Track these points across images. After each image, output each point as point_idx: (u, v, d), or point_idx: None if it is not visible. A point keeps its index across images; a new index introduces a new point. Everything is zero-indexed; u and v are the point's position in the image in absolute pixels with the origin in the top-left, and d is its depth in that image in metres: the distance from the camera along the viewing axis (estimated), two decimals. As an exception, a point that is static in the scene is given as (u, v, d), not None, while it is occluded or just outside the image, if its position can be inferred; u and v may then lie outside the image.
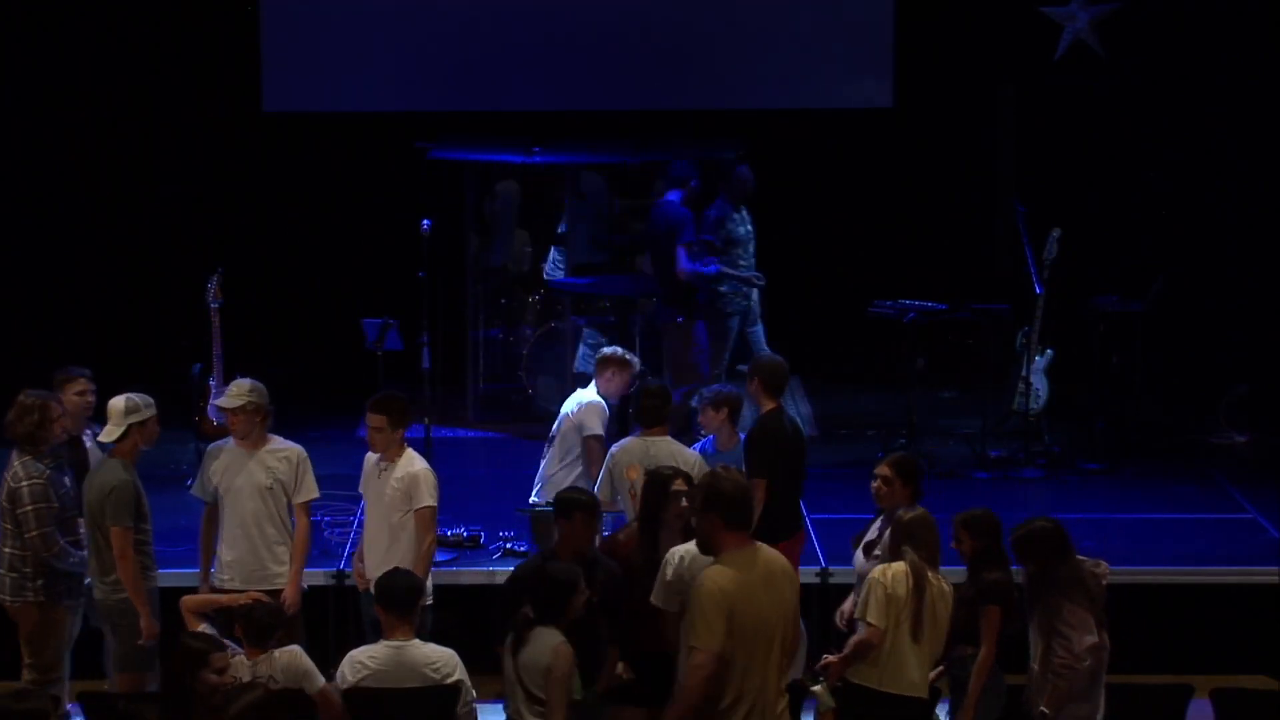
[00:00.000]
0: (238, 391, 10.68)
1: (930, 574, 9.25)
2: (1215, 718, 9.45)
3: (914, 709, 9.26)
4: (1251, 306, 16.32)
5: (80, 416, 10.94)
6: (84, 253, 16.76)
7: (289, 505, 10.67)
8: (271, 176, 16.79)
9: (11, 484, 10.39)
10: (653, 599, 9.38)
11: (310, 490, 10.76)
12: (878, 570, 9.32)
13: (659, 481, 9.84)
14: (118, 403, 10.42)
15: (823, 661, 9.40)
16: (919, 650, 9.22)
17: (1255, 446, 15.05)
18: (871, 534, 10.19)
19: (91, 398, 11.00)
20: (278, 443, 10.76)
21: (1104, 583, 9.45)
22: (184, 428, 13.88)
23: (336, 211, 16.80)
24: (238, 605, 9.78)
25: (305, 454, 10.77)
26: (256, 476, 10.61)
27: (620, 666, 9.69)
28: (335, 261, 16.73)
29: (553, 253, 15.95)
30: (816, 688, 9.27)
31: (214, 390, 13.82)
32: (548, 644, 9.12)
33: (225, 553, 10.65)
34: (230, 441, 10.82)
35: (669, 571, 9.33)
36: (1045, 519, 9.51)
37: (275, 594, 10.44)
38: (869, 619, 9.19)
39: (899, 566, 9.28)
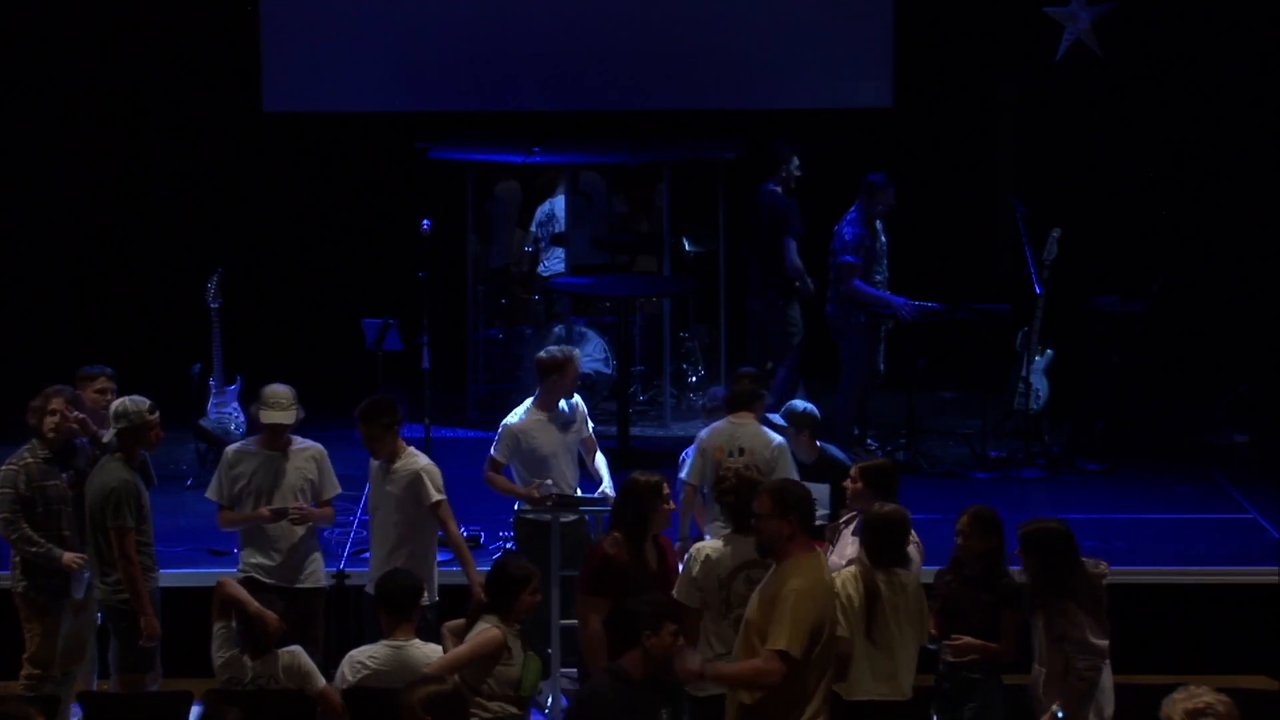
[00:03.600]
0: (287, 403, 10.66)
1: (881, 573, 9.19)
2: (1215, 717, 9.43)
3: (888, 713, 9.18)
4: (1251, 306, 16.32)
5: (101, 415, 10.91)
6: (84, 253, 16.76)
7: (314, 504, 10.71)
8: (271, 176, 16.78)
9: None
10: (675, 594, 9.37)
11: (335, 487, 10.88)
12: (837, 575, 9.27)
13: (649, 489, 9.77)
14: (114, 405, 10.48)
15: None
16: (880, 652, 9.14)
17: (1255, 446, 15.04)
18: (849, 541, 10.16)
19: (111, 396, 10.96)
20: (300, 442, 10.81)
21: (1103, 582, 9.45)
22: (184, 427, 13.90)
23: (336, 211, 16.79)
24: (257, 618, 9.70)
25: (325, 451, 10.81)
26: (292, 480, 10.67)
27: None
28: (335, 262, 16.72)
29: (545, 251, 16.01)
30: None
31: (214, 390, 13.83)
32: (480, 628, 9.21)
33: (260, 555, 10.67)
34: (251, 443, 10.81)
35: (695, 568, 9.30)
36: (1056, 520, 9.47)
37: (306, 592, 10.58)
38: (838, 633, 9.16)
39: (848, 571, 9.27)
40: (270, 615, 9.68)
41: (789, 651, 8.28)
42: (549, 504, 11.19)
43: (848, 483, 10.14)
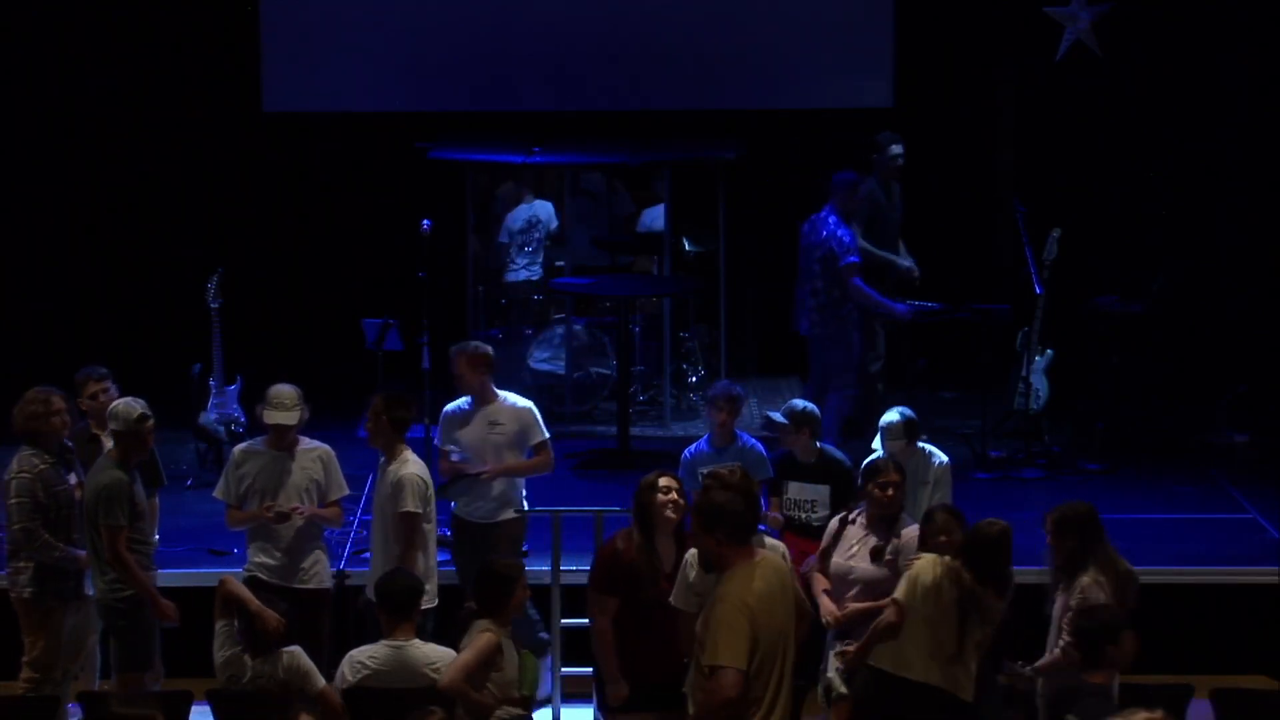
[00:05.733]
0: (291, 403, 10.64)
1: (968, 576, 9.26)
2: (1215, 718, 9.45)
3: (928, 697, 9.24)
4: (1251, 306, 16.32)
5: (103, 416, 10.88)
6: (84, 253, 16.77)
7: (320, 504, 10.72)
8: (271, 176, 16.79)
9: (6, 477, 10.44)
10: (672, 600, 9.35)
11: (342, 488, 10.86)
12: (919, 557, 9.48)
13: (644, 486, 9.65)
14: (110, 405, 10.48)
15: (839, 649, 9.44)
16: (937, 641, 9.20)
17: (1255, 446, 15.04)
18: (857, 538, 10.18)
19: (113, 396, 10.94)
20: (306, 442, 10.79)
21: (1136, 584, 9.57)
22: (184, 427, 13.90)
23: (336, 211, 16.80)
24: (257, 616, 9.70)
25: (332, 452, 10.80)
26: (297, 480, 10.66)
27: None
28: (335, 261, 16.73)
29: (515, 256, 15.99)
30: (831, 674, 9.34)
31: (214, 390, 13.82)
32: (474, 633, 9.20)
33: (264, 554, 10.67)
34: (259, 443, 10.81)
35: (691, 574, 9.26)
36: (1082, 502, 9.66)
37: (309, 593, 10.58)
38: (895, 595, 9.31)
39: (933, 556, 9.39)
40: (270, 615, 9.68)
41: (726, 664, 8.18)
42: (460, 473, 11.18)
43: (891, 491, 10.20)
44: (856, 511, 10.39)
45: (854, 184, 14.18)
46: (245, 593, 9.85)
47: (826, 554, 10.37)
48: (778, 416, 11.64)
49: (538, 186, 16.24)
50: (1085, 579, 9.41)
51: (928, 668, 9.22)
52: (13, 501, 10.42)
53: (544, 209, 16.07)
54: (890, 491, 10.19)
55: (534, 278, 15.95)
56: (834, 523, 10.47)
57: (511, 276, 16.01)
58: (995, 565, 9.35)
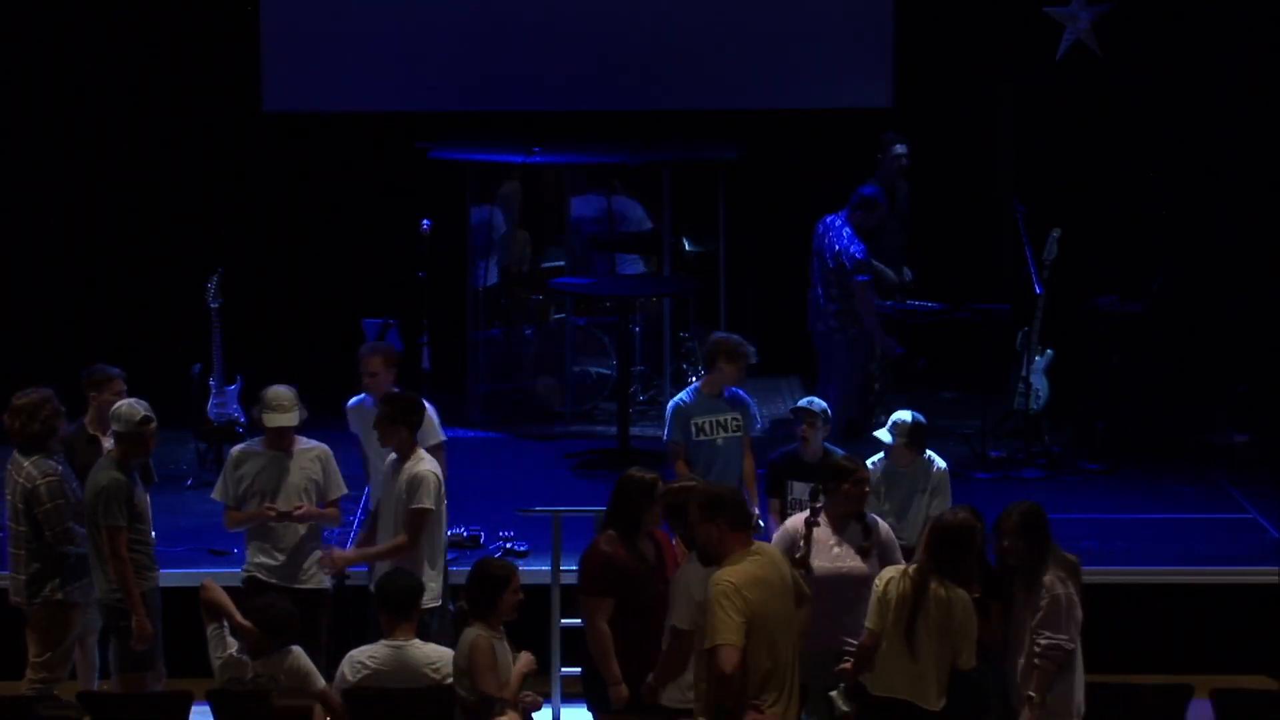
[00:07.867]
0: (290, 404, 10.65)
1: (935, 581, 9.16)
2: (1215, 718, 9.46)
3: (908, 714, 9.17)
4: (1251, 306, 16.32)
5: (105, 417, 10.83)
6: (84, 253, 16.77)
7: (320, 504, 10.71)
8: (271, 176, 16.78)
9: (26, 484, 10.41)
10: (676, 622, 9.28)
11: (340, 487, 10.86)
12: (882, 572, 9.38)
13: (643, 488, 9.60)
14: (114, 407, 10.48)
15: (838, 667, 9.42)
16: (912, 655, 9.13)
17: (1255, 446, 15.04)
18: (831, 539, 10.09)
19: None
20: (303, 442, 10.79)
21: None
22: (184, 427, 13.90)
23: (336, 211, 16.79)
24: (239, 627, 9.70)
25: (330, 452, 10.80)
26: (295, 480, 10.65)
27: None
28: (335, 261, 16.73)
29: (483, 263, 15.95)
30: (833, 692, 9.34)
31: (214, 390, 13.83)
32: (466, 640, 9.17)
33: (264, 554, 10.67)
34: (256, 444, 10.81)
35: (696, 593, 9.16)
36: (1025, 502, 9.52)
37: (308, 593, 10.55)
38: (866, 623, 9.24)
39: (895, 569, 9.30)
40: (247, 625, 9.67)
41: (724, 642, 8.27)
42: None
43: (869, 489, 10.13)
44: (817, 513, 10.06)
45: (875, 202, 14.19)
46: (224, 599, 9.83)
47: (803, 562, 9.88)
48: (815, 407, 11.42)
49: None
50: (1048, 578, 9.25)
51: (892, 681, 9.16)
52: (49, 506, 10.39)
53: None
54: (866, 489, 10.08)
55: (490, 282, 15.91)
56: (794, 526, 10.12)
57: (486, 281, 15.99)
58: (955, 556, 9.21)
